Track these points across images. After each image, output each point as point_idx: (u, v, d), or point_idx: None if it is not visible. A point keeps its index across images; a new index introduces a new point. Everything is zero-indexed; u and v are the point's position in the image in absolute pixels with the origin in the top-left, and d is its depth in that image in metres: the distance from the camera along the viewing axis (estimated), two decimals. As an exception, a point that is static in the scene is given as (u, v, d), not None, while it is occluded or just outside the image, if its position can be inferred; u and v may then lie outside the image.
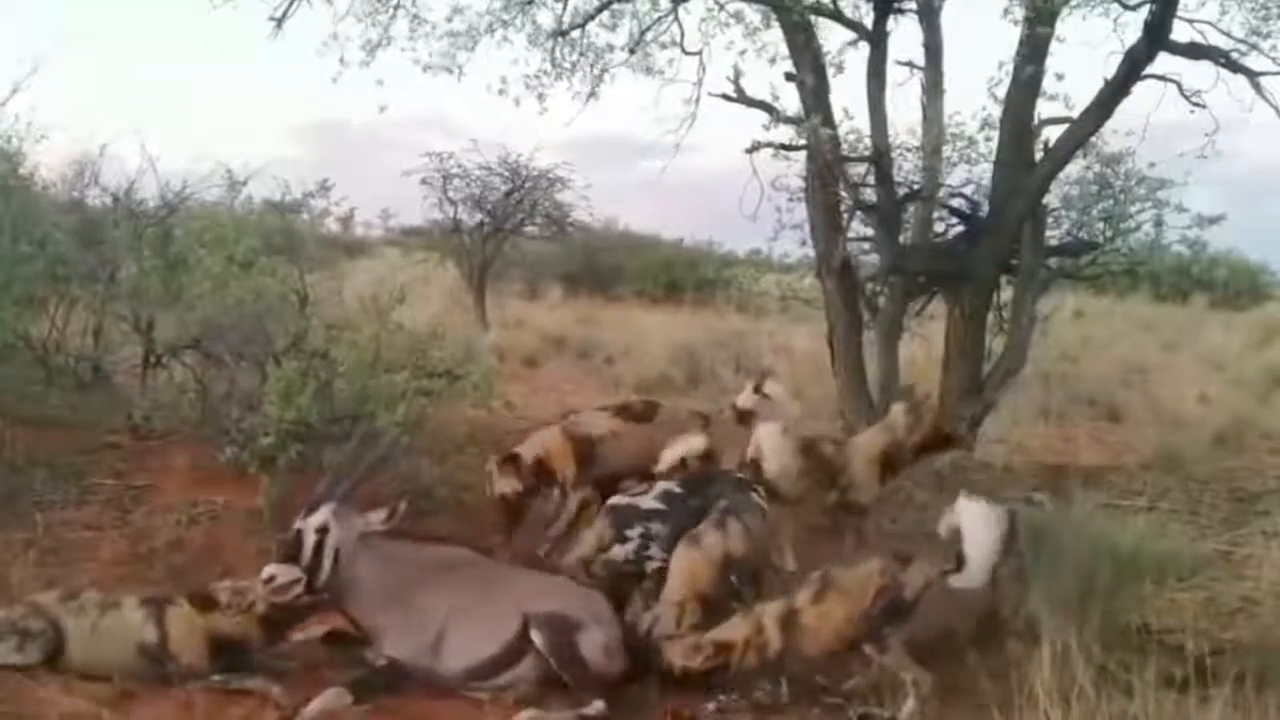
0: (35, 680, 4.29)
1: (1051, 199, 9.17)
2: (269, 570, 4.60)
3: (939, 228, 9.47)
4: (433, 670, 4.66)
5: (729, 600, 5.04)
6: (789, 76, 8.20)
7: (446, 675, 4.65)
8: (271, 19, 8.81)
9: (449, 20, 8.43)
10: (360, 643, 4.84)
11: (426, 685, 4.62)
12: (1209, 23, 7.60)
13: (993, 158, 8.53)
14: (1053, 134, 8.22)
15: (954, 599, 4.65)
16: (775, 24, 8.28)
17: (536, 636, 4.61)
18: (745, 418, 7.14)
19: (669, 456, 6.02)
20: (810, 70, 8.08)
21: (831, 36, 8.49)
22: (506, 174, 19.17)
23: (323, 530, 4.68)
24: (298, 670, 4.76)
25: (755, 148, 8.06)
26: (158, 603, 4.73)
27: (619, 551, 5.39)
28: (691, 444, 6.07)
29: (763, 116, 8.12)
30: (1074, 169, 9.17)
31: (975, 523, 4.63)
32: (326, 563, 4.64)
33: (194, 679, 4.56)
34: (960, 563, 4.60)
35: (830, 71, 8.28)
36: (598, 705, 4.44)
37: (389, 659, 4.65)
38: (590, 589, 5.10)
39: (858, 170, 8.67)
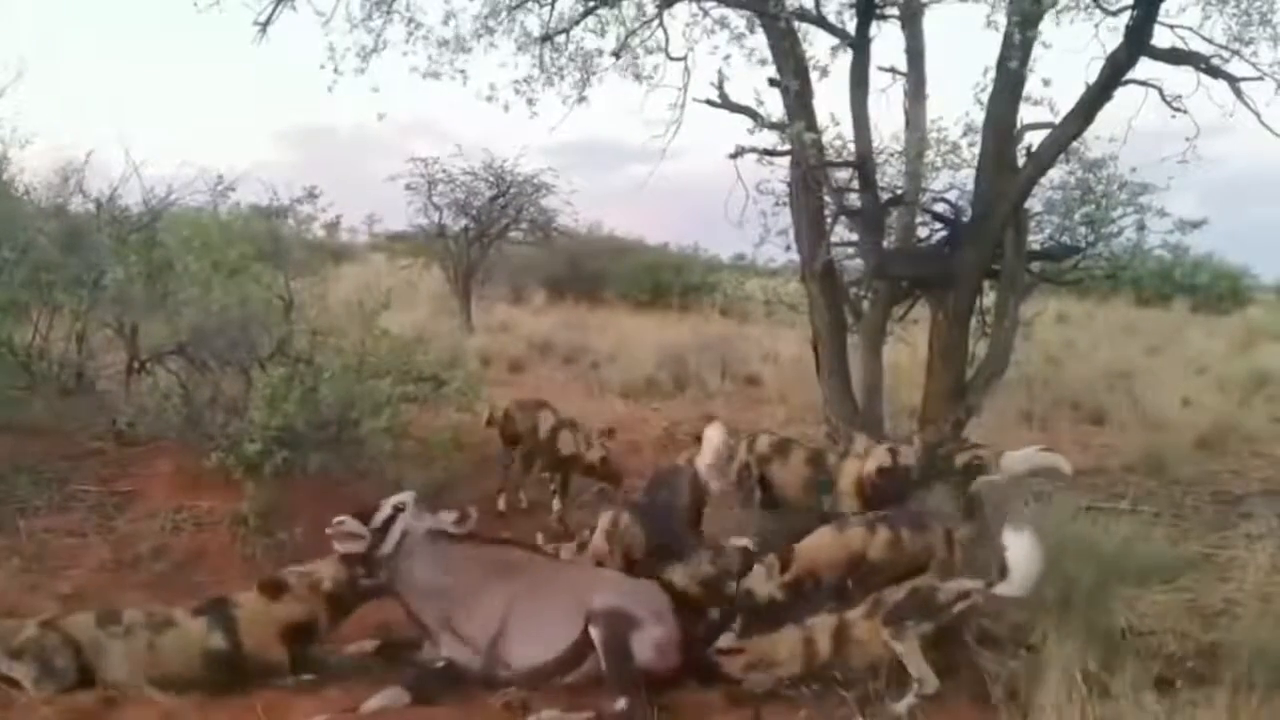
0: (17, 689, 4.27)
1: (1034, 204, 9.19)
2: (341, 517, 4.84)
3: (922, 232, 9.48)
4: (494, 671, 4.73)
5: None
6: (773, 82, 8.22)
7: (509, 675, 4.71)
8: (256, 23, 8.77)
9: (445, 24, 8.43)
10: (412, 648, 4.96)
11: (485, 685, 4.67)
12: (1190, 28, 7.63)
13: (975, 163, 8.55)
14: (1035, 139, 8.25)
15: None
16: (760, 29, 8.30)
17: (594, 631, 4.67)
18: None
19: None
20: (794, 76, 8.08)
21: (816, 42, 8.51)
22: (491, 179, 19.20)
23: (399, 508, 4.91)
24: (350, 672, 4.84)
25: (739, 153, 8.07)
26: (218, 606, 4.75)
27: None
28: None
29: (747, 121, 8.16)
30: (1056, 174, 9.19)
31: (1020, 539, 4.71)
32: (392, 537, 4.86)
33: (265, 678, 4.61)
34: (1004, 573, 4.67)
35: (814, 77, 8.28)
36: (621, 704, 4.47)
37: (448, 660, 4.75)
38: (651, 584, 5.19)
39: (842, 175, 8.69)
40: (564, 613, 4.77)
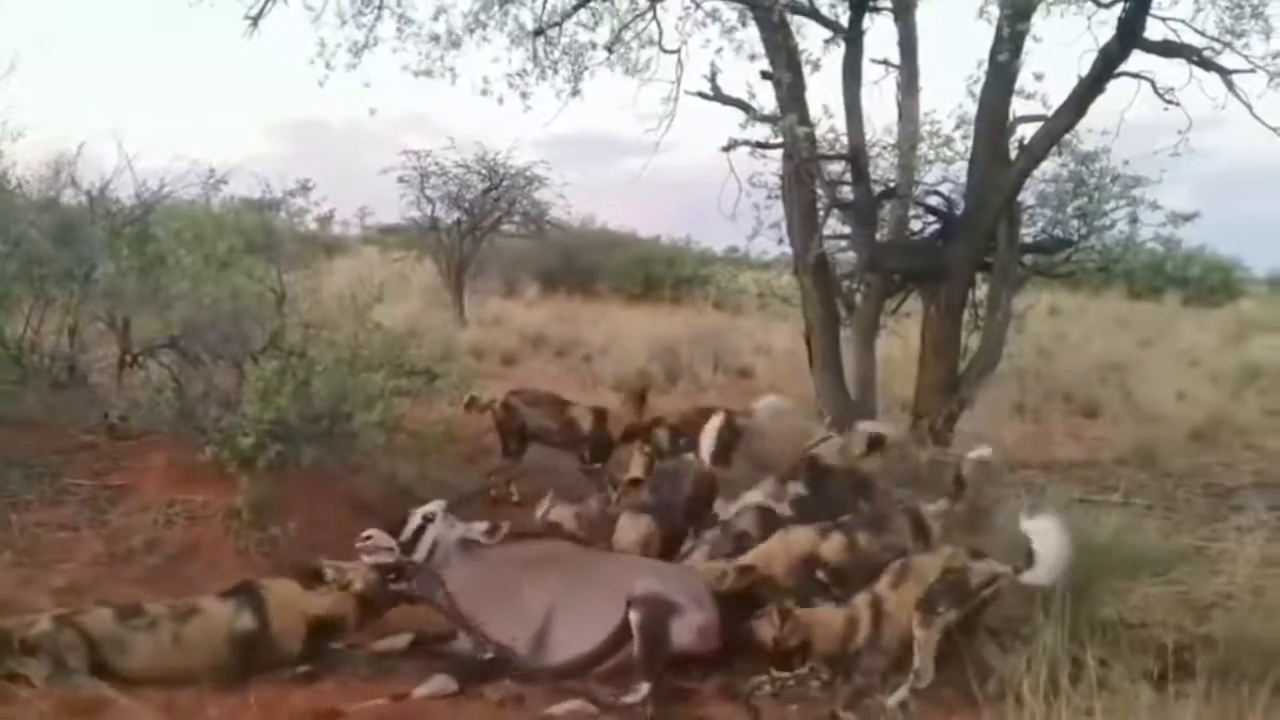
0: (14, 683, 4.26)
1: (1027, 196, 9.23)
2: (370, 531, 4.95)
3: (915, 225, 9.52)
4: (539, 661, 4.78)
5: (810, 596, 5.21)
6: (765, 75, 8.23)
7: (554, 666, 4.76)
8: (247, 17, 8.76)
9: (435, 19, 8.43)
10: (446, 640, 5.01)
11: (530, 676, 4.72)
12: (1182, 21, 7.67)
13: (968, 156, 8.56)
14: (1028, 132, 8.27)
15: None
16: (752, 22, 8.31)
17: (633, 616, 4.72)
18: None
19: None
20: (786, 69, 8.10)
21: (808, 35, 8.52)
22: (484, 172, 19.16)
23: (429, 519, 5.00)
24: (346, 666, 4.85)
25: (732, 146, 8.10)
26: (248, 589, 4.76)
27: None
28: None
29: (740, 115, 8.17)
30: (1049, 166, 9.24)
31: (1044, 527, 4.70)
32: (422, 547, 4.96)
33: (284, 666, 4.63)
34: (1030, 560, 4.66)
35: (807, 70, 8.30)
36: (643, 690, 4.53)
37: (495, 652, 4.81)
38: (691, 570, 5.32)
39: (834, 168, 8.71)
40: (607, 600, 4.82)
